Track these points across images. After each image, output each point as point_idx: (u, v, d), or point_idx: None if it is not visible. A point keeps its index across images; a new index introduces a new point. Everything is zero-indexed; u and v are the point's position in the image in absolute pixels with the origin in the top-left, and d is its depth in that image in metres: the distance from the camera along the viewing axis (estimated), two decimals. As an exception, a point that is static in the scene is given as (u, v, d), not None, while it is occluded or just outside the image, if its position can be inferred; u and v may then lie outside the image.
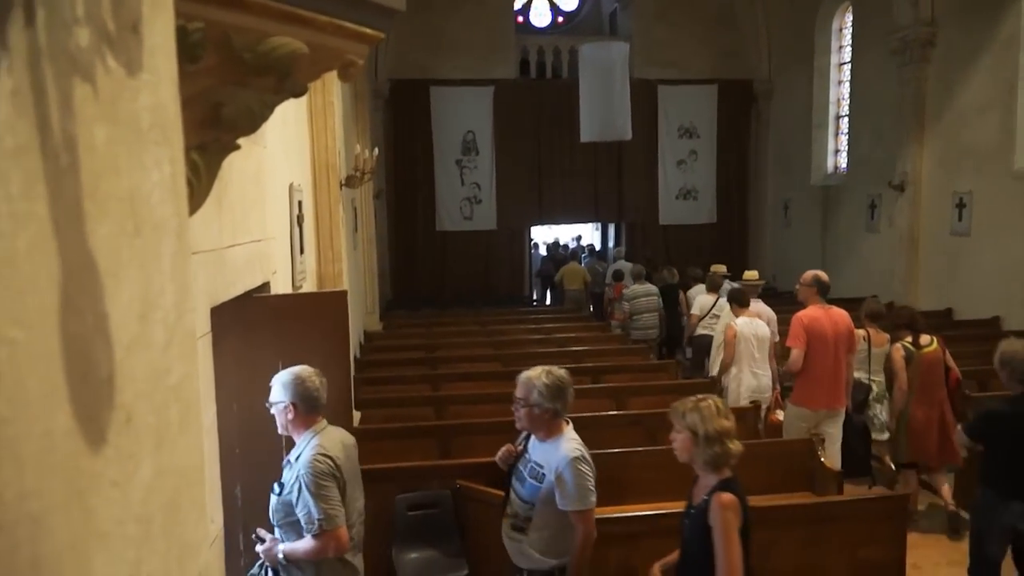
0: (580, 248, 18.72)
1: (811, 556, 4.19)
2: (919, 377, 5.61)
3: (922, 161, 11.10)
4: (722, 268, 9.21)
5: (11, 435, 0.47)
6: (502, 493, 4.65)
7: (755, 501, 4.77)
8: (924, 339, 5.70)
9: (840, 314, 5.64)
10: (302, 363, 3.89)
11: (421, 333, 10.76)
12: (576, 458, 3.11)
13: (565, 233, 20.34)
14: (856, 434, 5.83)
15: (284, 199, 4.84)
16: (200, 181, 1.05)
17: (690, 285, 10.14)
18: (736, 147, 16.76)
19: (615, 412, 6.52)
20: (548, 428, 3.22)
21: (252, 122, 1.06)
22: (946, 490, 5.61)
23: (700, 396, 2.99)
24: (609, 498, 5.00)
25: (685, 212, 16.67)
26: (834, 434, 5.63)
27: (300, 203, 5.19)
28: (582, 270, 13.35)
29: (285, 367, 3.90)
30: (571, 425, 3.35)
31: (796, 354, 5.52)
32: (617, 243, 17.84)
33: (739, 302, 6.74)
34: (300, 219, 5.16)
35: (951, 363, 5.73)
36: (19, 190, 0.49)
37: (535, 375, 3.21)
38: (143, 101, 0.70)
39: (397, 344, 9.97)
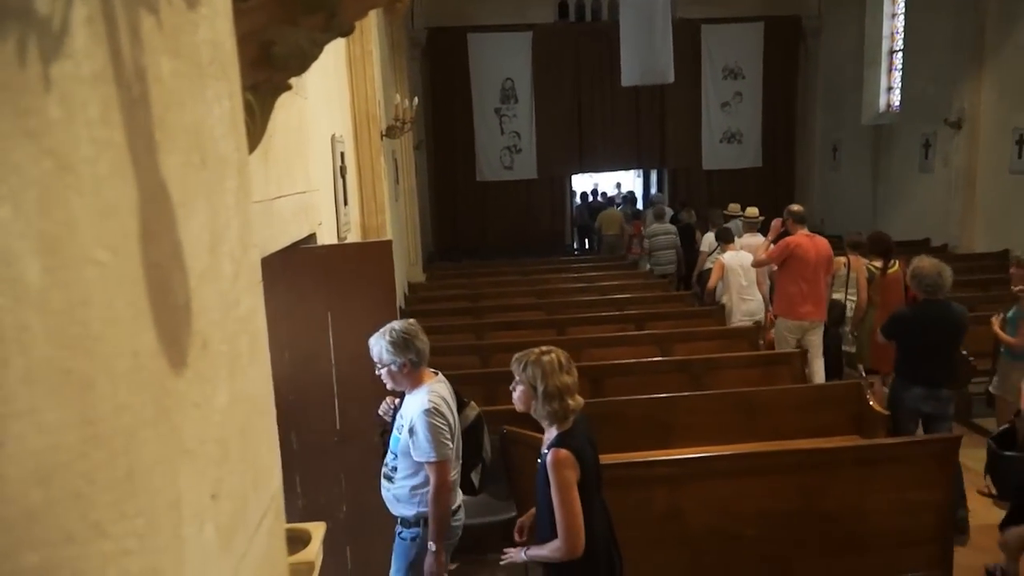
0: (618, 195, 18.55)
1: (859, 499, 4.18)
2: (880, 293, 6.42)
3: (980, 96, 10.64)
4: (735, 207, 9.74)
5: (105, 352, 0.49)
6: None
7: (802, 444, 4.79)
8: (891, 263, 6.54)
9: (823, 242, 6.64)
10: (349, 313, 3.96)
11: (464, 283, 10.83)
12: (428, 410, 3.11)
13: (606, 181, 20.09)
14: (835, 345, 6.89)
15: (327, 150, 4.87)
16: (255, 123, 1.06)
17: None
18: (783, 87, 16.23)
19: (660, 358, 6.52)
20: (411, 381, 3.24)
21: (303, 61, 1.06)
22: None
23: (545, 348, 2.86)
24: (655, 442, 5.05)
25: (730, 156, 16.29)
26: (816, 342, 6.60)
27: (343, 154, 5.21)
28: (619, 215, 13.87)
29: (333, 317, 3.97)
30: (439, 376, 3.35)
31: (762, 259, 6.72)
32: (659, 189, 17.59)
33: (724, 239, 7.87)
34: (343, 170, 5.19)
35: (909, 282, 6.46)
36: (98, 116, 0.50)
37: (379, 335, 3.22)
38: (202, 35, 0.71)
39: (441, 295, 10.06)
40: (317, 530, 3.03)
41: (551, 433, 2.84)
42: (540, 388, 2.76)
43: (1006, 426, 4.62)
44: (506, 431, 4.94)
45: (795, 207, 6.75)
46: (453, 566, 3.81)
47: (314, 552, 2.94)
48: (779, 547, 4.14)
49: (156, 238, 0.57)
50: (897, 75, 13.78)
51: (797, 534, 4.15)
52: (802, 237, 6.49)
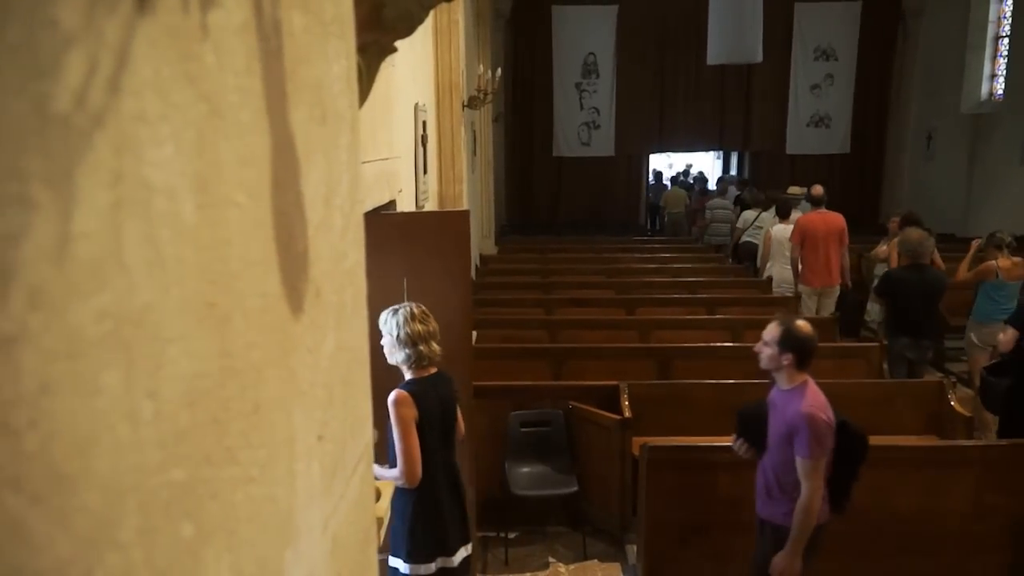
0: (685, 175, 18.28)
1: (930, 500, 4.05)
2: None
3: (1095, 87, 9.96)
4: (798, 190, 10.74)
5: (241, 290, 0.52)
6: (614, 416, 4.75)
7: (875, 441, 4.64)
8: (932, 245, 7.07)
9: (834, 216, 7.54)
10: (425, 280, 4.03)
11: (535, 258, 10.84)
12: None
13: (680, 162, 19.77)
14: (851, 308, 7.79)
15: (409, 119, 4.92)
16: (361, 84, 1.09)
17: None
18: (878, 71, 15.51)
19: (731, 344, 6.41)
20: None
21: (410, 24, 1.08)
22: None
23: (401, 304, 3.08)
24: (722, 427, 4.98)
25: (816, 141, 15.71)
26: (829, 304, 7.59)
27: (424, 123, 5.26)
28: (683, 194, 14.40)
29: (409, 282, 4.04)
30: None
31: (792, 247, 7.63)
32: (739, 172, 17.22)
33: (780, 213, 8.57)
34: (424, 139, 5.24)
35: (938, 260, 7.10)
36: (243, 66, 0.52)
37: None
38: (327, -7, 0.73)
39: (512, 268, 10.10)
40: (386, 488, 3.14)
41: (406, 378, 3.08)
42: (395, 335, 3.00)
43: (997, 360, 5.40)
44: (572, 407, 4.96)
45: (816, 189, 7.83)
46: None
47: (383, 508, 3.05)
48: (843, 542, 4.05)
49: (283, 187, 0.60)
50: (1002, 62, 13.02)
51: (863, 530, 4.05)
52: (813, 215, 7.62)
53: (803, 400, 3.02)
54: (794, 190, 10.58)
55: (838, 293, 7.61)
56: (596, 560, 4.55)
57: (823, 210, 7.67)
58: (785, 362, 3.08)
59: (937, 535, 4.04)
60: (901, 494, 4.06)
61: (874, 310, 7.97)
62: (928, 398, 5.05)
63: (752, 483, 4.11)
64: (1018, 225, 10.90)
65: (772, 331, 3.15)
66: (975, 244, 6.60)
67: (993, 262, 6.27)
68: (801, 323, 3.15)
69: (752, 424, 3.28)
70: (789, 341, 3.07)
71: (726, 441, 4.61)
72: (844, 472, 3.19)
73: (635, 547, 4.40)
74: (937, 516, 4.04)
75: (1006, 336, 5.08)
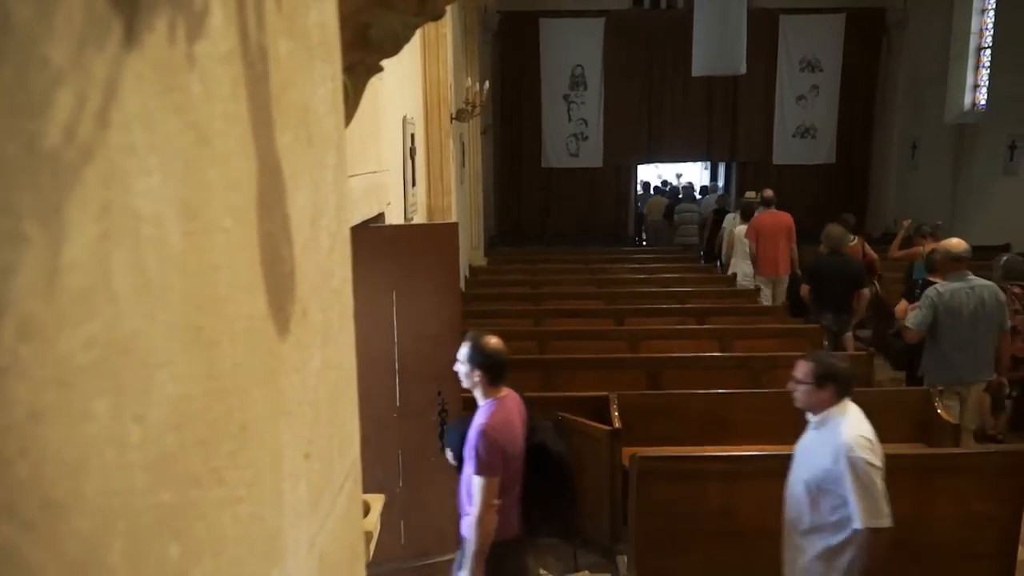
0: (665, 184, 18.50)
1: (919, 508, 4.07)
2: None
3: (1075, 98, 10.09)
4: (752, 194, 12.10)
5: (228, 313, 0.53)
6: (604, 427, 4.76)
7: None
8: (852, 239, 8.04)
9: (783, 215, 8.71)
10: (413, 292, 4.03)
11: (525, 269, 10.85)
12: None
13: (668, 172, 19.91)
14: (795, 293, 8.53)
15: (398, 132, 4.94)
16: (348, 103, 1.10)
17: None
18: (863, 82, 15.67)
19: (719, 354, 6.44)
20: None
21: (396, 44, 1.10)
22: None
23: None
24: (712, 437, 5.00)
25: (802, 151, 15.85)
26: (781, 291, 8.71)
27: (413, 136, 5.28)
28: (664, 201, 15.10)
29: (398, 295, 4.05)
30: None
31: (749, 244, 8.73)
32: (726, 182, 17.40)
33: (743, 214, 9.54)
34: (413, 152, 5.26)
35: (868, 251, 8.36)
36: (229, 93, 0.53)
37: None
38: (313, 17, 0.74)
39: (502, 279, 10.10)
40: (376, 502, 3.11)
41: None
42: None
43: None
44: (561, 418, 4.96)
45: (766, 192, 9.00)
46: None
47: (372, 522, 3.03)
48: (834, 551, 4.07)
49: (270, 210, 0.61)
50: (984, 73, 13.18)
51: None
52: (765, 215, 8.69)
53: (484, 416, 3.01)
54: (749, 195, 11.89)
55: (787, 281, 8.72)
56: (587, 571, 4.55)
57: (773, 210, 8.82)
58: (476, 378, 3.06)
59: (925, 543, 4.05)
60: (889, 502, 4.07)
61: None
62: (915, 406, 5.08)
63: (743, 493, 4.14)
64: (1002, 233, 11.02)
65: (462, 349, 3.13)
66: (906, 224, 8.02)
67: (920, 248, 7.30)
68: (489, 339, 3.12)
69: (457, 437, 3.25)
70: (476, 358, 3.05)
71: (716, 451, 4.64)
72: (540, 493, 3.22)
73: (625, 558, 4.40)
74: (925, 524, 4.05)
75: (900, 307, 6.06)
